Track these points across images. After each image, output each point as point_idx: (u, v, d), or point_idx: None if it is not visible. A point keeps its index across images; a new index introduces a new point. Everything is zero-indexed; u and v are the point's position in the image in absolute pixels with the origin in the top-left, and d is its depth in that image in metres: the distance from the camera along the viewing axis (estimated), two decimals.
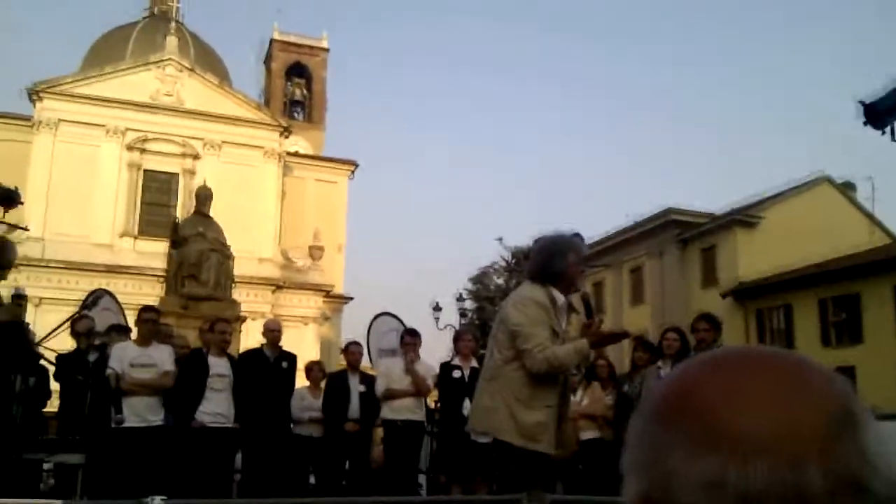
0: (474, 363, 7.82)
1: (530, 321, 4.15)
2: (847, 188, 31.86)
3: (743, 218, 29.80)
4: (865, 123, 9.21)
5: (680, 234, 31.70)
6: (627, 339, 5.48)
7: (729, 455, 0.52)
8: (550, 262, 4.28)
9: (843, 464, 0.51)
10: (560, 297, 4.25)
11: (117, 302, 10.87)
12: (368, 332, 11.41)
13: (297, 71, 45.79)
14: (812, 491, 0.50)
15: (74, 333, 8.18)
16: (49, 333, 6.49)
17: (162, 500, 3.70)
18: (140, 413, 6.80)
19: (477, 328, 25.26)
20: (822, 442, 0.52)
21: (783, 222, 28.61)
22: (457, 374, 7.87)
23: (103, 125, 33.59)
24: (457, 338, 8.71)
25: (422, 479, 8.95)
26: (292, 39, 46.19)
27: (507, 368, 4.24)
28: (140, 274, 30.45)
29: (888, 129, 9.10)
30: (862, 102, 9.19)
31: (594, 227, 51.52)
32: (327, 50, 46.37)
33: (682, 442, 0.55)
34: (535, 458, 4.19)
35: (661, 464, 0.56)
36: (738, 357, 0.60)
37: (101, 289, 9.89)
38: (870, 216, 31.20)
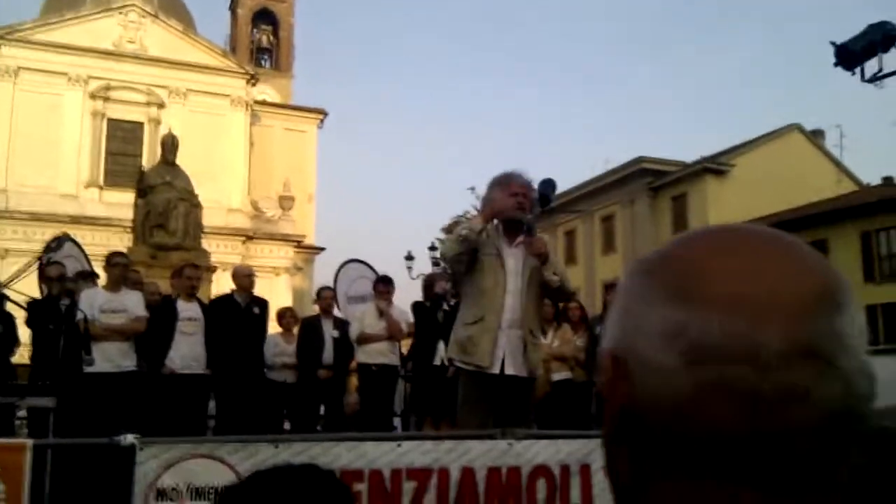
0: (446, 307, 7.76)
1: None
2: (816, 136, 32.14)
3: (714, 166, 29.97)
4: (836, 64, 9.26)
5: (651, 182, 31.83)
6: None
7: (692, 307, 0.52)
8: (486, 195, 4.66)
9: (807, 334, 0.50)
10: (493, 223, 4.50)
11: (81, 248, 10.63)
12: (336, 278, 11.29)
13: (264, 17, 44.76)
14: (766, 351, 0.49)
15: (46, 279, 7.97)
16: (12, 277, 6.30)
17: (135, 437, 3.68)
18: (112, 358, 6.72)
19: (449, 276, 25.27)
20: (791, 309, 0.51)
21: (754, 170, 28.82)
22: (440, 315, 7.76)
23: (65, 73, 32.77)
24: (429, 284, 8.60)
25: (396, 421, 9.02)
26: None
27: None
28: (107, 225, 30.01)
29: (858, 69, 9.17)
30: (834, 43, 9.23)
31: (571, 176, 51.57)
32: None
33: (652, 294, 0.55)
34: (473, 376, 4.38)
35: (629, 314, 0.56)
36: (733, 228, 0.58)
37: (63, 234, 9.59)
38: (838, 163, 31.57)
